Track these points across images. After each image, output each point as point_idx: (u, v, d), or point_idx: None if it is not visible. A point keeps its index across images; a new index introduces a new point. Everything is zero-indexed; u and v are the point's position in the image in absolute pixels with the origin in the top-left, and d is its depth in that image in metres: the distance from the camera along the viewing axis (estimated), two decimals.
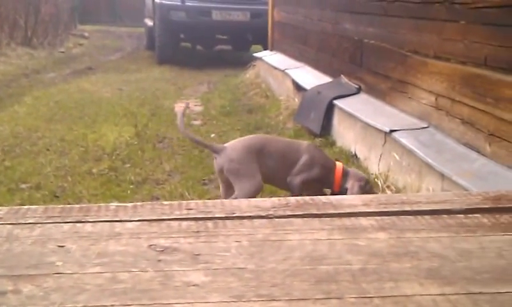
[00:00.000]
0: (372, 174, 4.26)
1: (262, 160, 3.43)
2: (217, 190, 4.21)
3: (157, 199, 4.02)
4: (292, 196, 3.39)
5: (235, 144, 3.45)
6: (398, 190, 3.84)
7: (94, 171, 4.56)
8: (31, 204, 3.69)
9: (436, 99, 3.86)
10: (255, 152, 3.43)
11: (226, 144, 3.47)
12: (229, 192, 3.44)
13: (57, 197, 4.03)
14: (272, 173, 3.50)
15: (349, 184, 3.56)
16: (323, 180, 3.58)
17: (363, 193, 3.45)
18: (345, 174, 3.57)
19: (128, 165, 4.76)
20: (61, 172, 4.53)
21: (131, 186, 4.26)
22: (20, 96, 7.84)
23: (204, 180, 4.45)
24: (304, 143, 3.71)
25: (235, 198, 3.22)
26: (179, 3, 10.63)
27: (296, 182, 3.50)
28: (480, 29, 3.33)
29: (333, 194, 3.52)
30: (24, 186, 4.22)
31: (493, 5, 3.20)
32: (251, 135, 3.84)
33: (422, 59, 4.06)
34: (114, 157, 4.93)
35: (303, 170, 3.51)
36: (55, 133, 5.69)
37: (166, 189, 4.20)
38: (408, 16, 4.28)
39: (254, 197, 3.30)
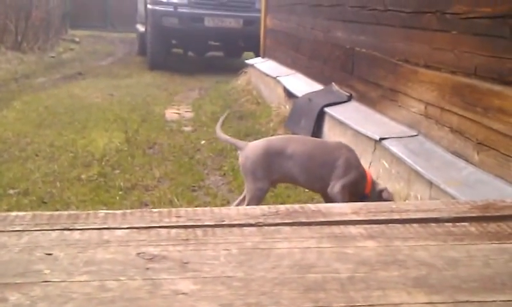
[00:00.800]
0: None
1: (283, 161, 3.36)
2: (207, 197, 4.22)
3: (146, 205, 4.02)
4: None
5: (255, 144, 3.45)
6: None
7: (83, 177, 4.55)
8: (19, 210, 3.68)
9: (425, 108, 3.87)
10: (274, 153, 3.37)
11: (249, 143, 3.49)
12: None
13: (45, 203, 4.02)
14: (297, 174, 3.39)
15: (380, 186, 3.48)
16: (358, 184, 3.41)
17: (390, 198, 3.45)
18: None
19: (118, 171, 4.75)
20: (50, 178, 4.51)
21: (120, 192, 4.25)
22: (9, 100, 7.80)
23: (194, 186, 4.46)
24: (334, 143, 3.67)
25: (246, 199, 3.33)
26: (171, 9, 10.65)
27: (337, 190, 3.33)
28: (470, 39, 3.35)
29: (362, 199, 3.38)
30: (11, 191, 4.20)
31: (484, 16, 3.22)
32: (279, 136, 3.83)
33: (413, 68, 4.08)
34: (103, 163, 4.92)
35: (342, 174, 3.36)
36: (44, 139, 5.67)
37: (156, 195, 4.20)
38: (399, 25, 4.30)
39: (260, 199, 3.38)
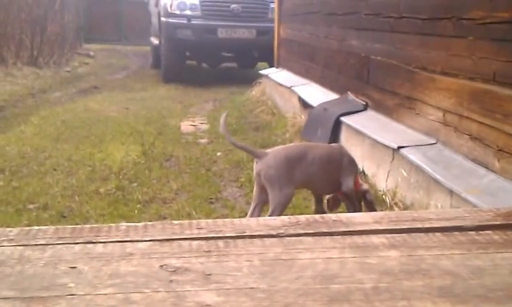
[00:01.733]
0: (380, 191, 4.25)
1: (304, 167, 3.46)
2: (224, 209, 4.22)
3: (165, 218, 4.02)
4: (348, 202, 3.62)
5: (276, 152, 3.50)
6: (406, 207, 3.83)
7: (101, 190, 4.56)
8: (39, 224, 3.69)
9: (443, 115, 3.85)
10: (295, 160, 3.46)
11: (268, 150, 3.54)
12: (261, 195, 3.49)
13: (65, 217, 4.03)
14: (315, 179, 3.54)
15: (364, 187, 3.70)
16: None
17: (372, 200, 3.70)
18: None
19: (136, 184, 4.76)
20: (69, 192, 4.53)
21: (138, 205, 4.26)
22: (27, 116, 7.86)
23: (211, 198, 4.46)
24: (336, 145, 3.91)
25: (270, 209, 3.37)
26: (185, 21, 10.69)
27: (351, 187, 3.57)
28: (488, 44, 3.33)
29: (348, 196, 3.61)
30: (31, 206, 4.22)
31: (502, 21, 3.20)
32: (293, 144, 3.92)
33: (430, 75, 4.06)
34: (121, 176, 4.93)
35: (350, 172, 3.61)
36: (62, 153, 5.70)
37: (173, 208, 4.20)
38: (414, 32, 4.29)
39: (286, 206, 3.47)
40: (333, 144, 4.05)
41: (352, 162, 3.66)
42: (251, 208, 3.56)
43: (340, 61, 6.10)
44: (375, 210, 3.65)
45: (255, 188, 3.54)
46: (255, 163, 3.51)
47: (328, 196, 3.78)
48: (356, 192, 3.63)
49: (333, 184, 3.60)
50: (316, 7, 7.10)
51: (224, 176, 5.08)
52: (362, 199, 3.68)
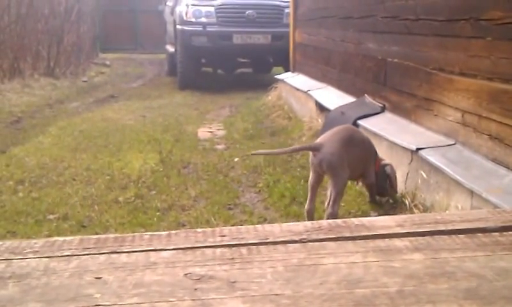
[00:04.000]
0: (399, 193, 4.23)
1: (351, 150, 3.84)
2: (243, 215, 4.22)
3: (184, 225, 4.03)
4: (368, 184, 4.16)
5: (331, 139, 3.82)
6: (426, 209, 3.82)
7: (120, 199, 4.59)
8: (59, 235, 3.73)
9: (462, 116, 3.83)
10: (347, 144, 3.82)
11: (321, 140, 3.86)
12: (317, 183, 3.89)
13: (85, 227, 4.06)
14: (355, 161, 3.91)
15: (384, 161, 4.16)
16: None
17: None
18: None
19: (154, 192, 4.78)
20: (88, 201, 4.56)
21: (157, 213, 4.28)
22: (45, 126, 7.93)
23: (229, 204, 4.47)
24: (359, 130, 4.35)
25: (333, 194, 3.74)
26: (201, 28, 10.73)
27: (373, 179, 4.08)
28: (507, 44, 3.31)
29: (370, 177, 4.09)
30: (51, 217, 4.26)
31: None
32: (336, 128, 4.05)
33: (448, 76, 4.04)
34: (140, 185, 4.96)
35: (373, 158, 4.09)
36: (81, 163, 5.74)
37: (192, 215, 4.21)
38: (432, 34, 4.28)
39: (345, 187, 3.96)
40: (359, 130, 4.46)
41: (373, 146, 4.15)
42: (309, 196, 3.88)
43: (357, 64, 6.09)
44: (394, 184, 4.15)
45: (312, 178, 3.86)
46: (311, 155, 3.81)
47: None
48: (377, 172, 4.10)
49: (363, 167, 4.02)
50: (332, 12, 7.10)
51: (242, 181, 5.09)
52: (383, 176, 4.12)
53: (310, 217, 3.82)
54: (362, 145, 4.02)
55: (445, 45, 4.09)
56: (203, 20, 10.82)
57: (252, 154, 5.33)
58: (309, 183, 3.90)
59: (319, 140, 3.93)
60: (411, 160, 4.17)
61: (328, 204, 3.77)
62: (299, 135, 6.66)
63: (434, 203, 3.75)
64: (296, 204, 4.33)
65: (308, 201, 3.89)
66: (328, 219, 3.59)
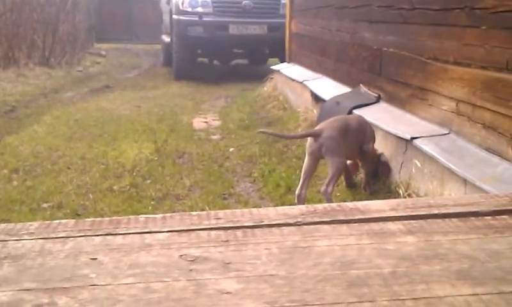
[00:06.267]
0: (394, 182, 4.25)
1: (347, 137, 4.05)
2: (238, 204, 4.23)
3: None
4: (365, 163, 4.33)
5: (331, 125, 4.03)
6: None
7: (115, 188, 4.59)
8: None
9: (456, 105, 3.85)
10: (344, 131, 4.04)
11: (321, 127, 4.06)
12: (312, 168, 4.05)
13: (79, 215, 4.05)
14: (350, 146, 4.12)
15: (379, 152, 4.39)
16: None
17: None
18: None
19: (149, 181, 4.78)
20: (83, 190, 4.55)
21: (152, 202, 4.28)
22: (40, 115, 7.91)
23: (224, 194, 4.47)
24: (361, 117, 4.50)
25: (330, 174, 3.92)
26: (197, 19, 10.70)
27: (369, 148, 4.24)
28: (501, 33, 3.32)
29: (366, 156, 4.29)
30: (45, 205, 4.24)
31: None
32: (334, 118, 4.29)
33: (442, 65, 4.05)
34: (134, 174, 4.96)
35: (371, 138, 4.28)
36: (75, 152, 5.73)
37: (187, 204, 4.21)
38: (427, 23, 4.28)
39: (342, 171, 4.11)
40: (357, 115, 4.64)
41: (372, 131, 4.33)
42: (302, 180, 4.00)
43: (352, 54, 6.10)
44: (390, 169, 4.38)
45: (308, 163, 4.01)
46: (311, 141, 4.00)
47: (349, 162, 4.34)
48: (372, 156, 4.30)
49: (359, 150, 4.22)
50: (328, 1, 7.09)
51: (237, 171, 5.10)
52: (378, 162, 4.38)
53: (301, 203, 3.89)
54: (357, 132, 4.19)
55: (440, 34, 4.10)
56: (200, 10, 10.79)
57: (259, 132, 5.57)
58: (303, 169, 4.02)
59: (318, 127, 4.12)
60: (406, 150, 4.18)
61: (324, 183, 3.96)
62: (295, 126, 6.66)
63: (428, 191, 3.76)
64: (291, 194, 4.33)
65: (300, 186, 3.99)
66: (322, 195, 3.94)
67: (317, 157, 3.98)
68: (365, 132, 4.26)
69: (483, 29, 3.52)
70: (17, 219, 3.95)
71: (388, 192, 4.22)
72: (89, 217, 3.90)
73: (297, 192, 3.99)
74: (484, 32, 3.51)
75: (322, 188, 3.93)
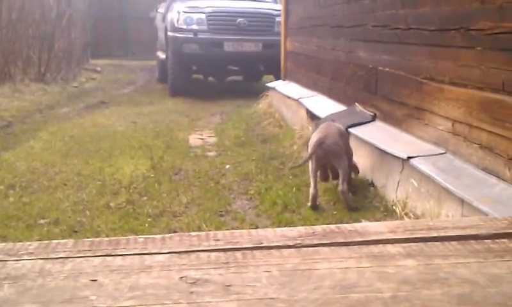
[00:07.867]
0: (390, 201, 4.25)
1: (342, 138, 4.50)
2: (234, 222, 4.22)
3: (175, 231, 4.02)
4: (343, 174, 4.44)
5: (329, 132, 4.44)
6: (417, 217, 3.83)
7: (112, 204, 4.58)
8: (50, 240, 3.70)
9: (453, 125, 3.86)
10: (340, 134, 4.51)
11: (321, 135, 4.39)
12: (318, 169, 4.48)
13: (76, 232, 4.04)
14: (344, 152, 4.48)
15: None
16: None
17: None
18: None
19: (146, 198, 4.77)
20: (79, 206, 4.54)
21: (149, 219, 4.27)
22: (35, 131, 7.90)
23: (221, 211, 4.46)
24: (335, 123, 4.81)
25: (341, 175, 4.36)
26: (192, 36, 10.74)
27: (350, 157, 4.58)
28: (497, 54, 3.34)
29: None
30: (42, 221, 4.23)
31: (510, 31, 3.21)
32: (326, 124, 4.73)
33: (438, 85, 4.07)
34: (131, 190, 4.95)
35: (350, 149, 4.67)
36: (72, 168, 5.72)
37: (184, 221, 4.20)
38: (422, 43, 4.30)
39: (349, 169, 4.53)
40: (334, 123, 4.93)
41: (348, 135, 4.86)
42: (313, 182, 4.39)
43: (348, 73, 6.12)
44: (358, 169, 4.79)
45: (314, 168, 4.39)
46: (315, 148, 4.31)
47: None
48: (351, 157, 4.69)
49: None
50: (323, 20, 7.13)
51: (233, 188, 5.09)
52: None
53: (314, 200, 4.37)
54: (344, 135, 4.68)
55: (436, 55, 4.12)
56: (195, 27, 10.83)
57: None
58: (311, 172, 4.43)
59: (317, 136, 4.42)
60: (402, 169, 4.19)
61: (339, 183, 4.37)
62: (291, 143, 6.67)
63: (425, 211, 3.76)
64: (288, 212, 4.34)
65: (312, 186, 4.39)
66: (341, 194, 4.34)
67: (324, 162, 4.47)
68: (347, 135, 4.78)
69: (479, 50, 3.53)
70: (14, 235, 3.94)
71: (385, 211, 4.22)
72: (86, 234, 3.93)
73: (311, 191, 4.37)
74: (479, 53, 3.53)
75: (339, 188, 4.33)
